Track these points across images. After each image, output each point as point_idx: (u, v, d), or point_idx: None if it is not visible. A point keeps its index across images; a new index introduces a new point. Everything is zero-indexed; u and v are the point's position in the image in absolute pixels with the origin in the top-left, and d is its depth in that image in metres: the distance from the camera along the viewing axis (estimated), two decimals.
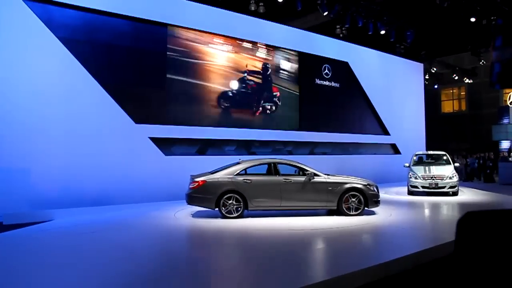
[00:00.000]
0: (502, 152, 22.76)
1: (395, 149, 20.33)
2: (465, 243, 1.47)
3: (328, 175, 9.50)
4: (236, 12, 14.25)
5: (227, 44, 14.13)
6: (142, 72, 12.13)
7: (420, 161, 14.86)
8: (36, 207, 9.58)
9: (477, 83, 26.42)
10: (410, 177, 13.63)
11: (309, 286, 4.26)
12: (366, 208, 9.28)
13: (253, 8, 13.94)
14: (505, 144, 24.42)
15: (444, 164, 14.17)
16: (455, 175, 13.37)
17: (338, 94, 18.02)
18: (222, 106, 13.95)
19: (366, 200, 9.20)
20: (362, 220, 8.60)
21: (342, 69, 18.19)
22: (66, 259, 5.60)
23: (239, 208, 8.91)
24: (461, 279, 1.44)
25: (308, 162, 10.34)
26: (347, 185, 9.23)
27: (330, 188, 9.16)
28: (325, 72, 17.50)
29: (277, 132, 15.45)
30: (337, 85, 17.98)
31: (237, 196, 8.91)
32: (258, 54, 15.10)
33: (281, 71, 15.82)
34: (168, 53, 12.65)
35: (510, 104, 23.72)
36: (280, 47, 15.77)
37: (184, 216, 9.40)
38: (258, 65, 15.09)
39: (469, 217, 1.49)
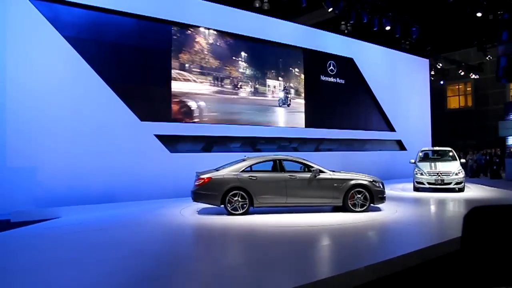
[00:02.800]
0: (508, 148, 22.59)
1: (400, 146, 20.27)
2: (472, 237, 1.47)
3: (333, 171, 9.48)
4: (241, 9, 14.24)
5: (232, 41, 14.12)
6: (147, 69, 12.17)
7: (426, 157, 14.79)
8: (43, 205, 9.67)
9: (483, 78, 26.23)
10: (416, 174, 13.58)
11: (315, 283, 4.26)
12: (371, 205, 9.27)
13: (257, 5, 13.94)
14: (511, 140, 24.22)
15: (450, 160, 14.10)
16: (461, 171, 13.30)
17: (343, 90, 17.97)
18: (228, 103, 13.96)
19: (372, 196, 9.19)
20: (368, 217, 8.58)
21: (347, 66, 18.13)
22: (72, 257, 5.64)
23: (245, 205, 8.93)
24: (468, 272, 1.45)
25: (313, 158, 10.34)
26: (353, 182, 9.21)
27: (336, 184, 9.15)
28: (330, 68, 17.45)
29: (282, 129, 15.45)
30: (342, 81, 17.93)
31: (243, 193, 8.92)
32: (263, 52, 15.07)
33: (286, 68, 15.79)
34: (172, 50, 12.68)
35: None
36: (285, 44, 15.72)
37: (189, 213, 9.44)
38: (263, 63, 15.07)
39: (476, 212, 1.49)
